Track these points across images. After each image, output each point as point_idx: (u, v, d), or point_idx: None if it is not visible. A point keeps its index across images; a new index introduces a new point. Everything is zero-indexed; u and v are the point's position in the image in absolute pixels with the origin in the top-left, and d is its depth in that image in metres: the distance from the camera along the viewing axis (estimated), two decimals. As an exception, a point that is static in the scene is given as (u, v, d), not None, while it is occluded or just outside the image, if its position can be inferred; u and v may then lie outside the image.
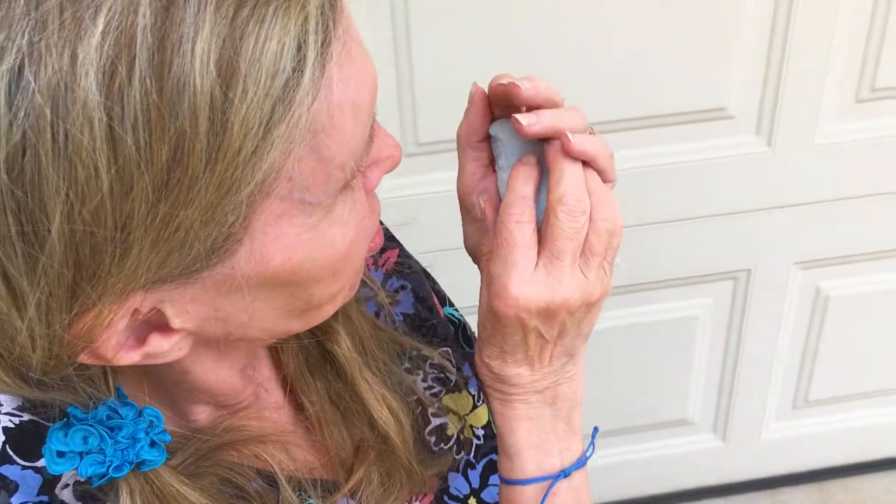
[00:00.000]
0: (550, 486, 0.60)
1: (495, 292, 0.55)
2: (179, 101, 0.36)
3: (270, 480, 0.56)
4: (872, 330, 1.76)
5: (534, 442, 0.60)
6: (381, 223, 0.72)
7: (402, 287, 0.71)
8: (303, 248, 0.44)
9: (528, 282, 0.54)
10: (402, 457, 0.62)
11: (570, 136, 0.54)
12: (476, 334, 0.74)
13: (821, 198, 1.55)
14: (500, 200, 0.57)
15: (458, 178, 0.60)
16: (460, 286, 1.50)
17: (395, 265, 0.71)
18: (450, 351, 0.71)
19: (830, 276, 1.67)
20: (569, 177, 0.54)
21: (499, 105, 0.58)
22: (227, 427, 0.55)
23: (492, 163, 0.60)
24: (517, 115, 0.54)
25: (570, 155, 0.55)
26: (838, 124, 1.46)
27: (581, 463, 0.62)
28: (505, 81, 0.54)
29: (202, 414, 0.56)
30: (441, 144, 1.35)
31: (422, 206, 1.40)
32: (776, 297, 1.68)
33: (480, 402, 0.71)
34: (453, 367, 0.70)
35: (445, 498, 0.68)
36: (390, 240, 0.72)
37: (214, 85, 0.37)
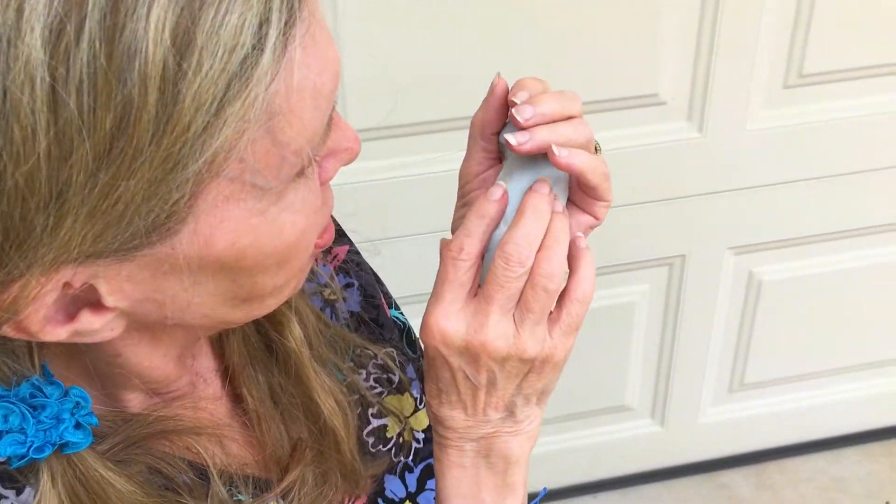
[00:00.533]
0: None
1: (422, 324, 0.55)
2: (129, 67, 0.34)
3: (202, 473, 0.54)
4: (805, 313, 1.79)
5: (464, 491, 0.60)
6: (333, 219, 0.71)
7: (350, 284, 0.70)
8: (250, 233, 0.42)
9: (451, 317, 0.54)
10: (345, 452, 0.60)
11: (555, 148, 0.53)
12: (418, 339, 0.74)
13: (753, 183, 1.56)
14: None
15: (463, 162, 0.60)
16: (401, 276, 1.49)
17: (343, 262, 0.70)
18: (394, 351, 0.70)
19: (763, 261, 1.69)
20: (525, 225, 0.54)
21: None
22: (160, 416, 0.53)
23: (500, 157, 0.59)
24: (507, 136, 0.54)
25: (557, 166, 0.54)
26: (768, 110, 1.48)
27: None
28: (518, 100, 0.54)
29: (134, 401, 0.54)
30: (371, 132, 1.33)
31: (358, 196, 1.38)
32: (711, 282, 1.69)
33: (423, 405, 0.70)
34: (398, 367, 0.69)
35: (380, 501, 0.66)
36: (340, 236, 0.71)
37: (168, 54, 0.35)
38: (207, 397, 0.58)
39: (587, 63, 1.36)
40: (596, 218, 0.60)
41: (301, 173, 0.43)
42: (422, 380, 0.73)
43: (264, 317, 0.58)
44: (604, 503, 1.94)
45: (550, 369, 0.57)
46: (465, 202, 0.61)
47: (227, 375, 0.59)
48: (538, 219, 0.54)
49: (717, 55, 1.39)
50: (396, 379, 0.69)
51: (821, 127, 1.51)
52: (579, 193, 0.58)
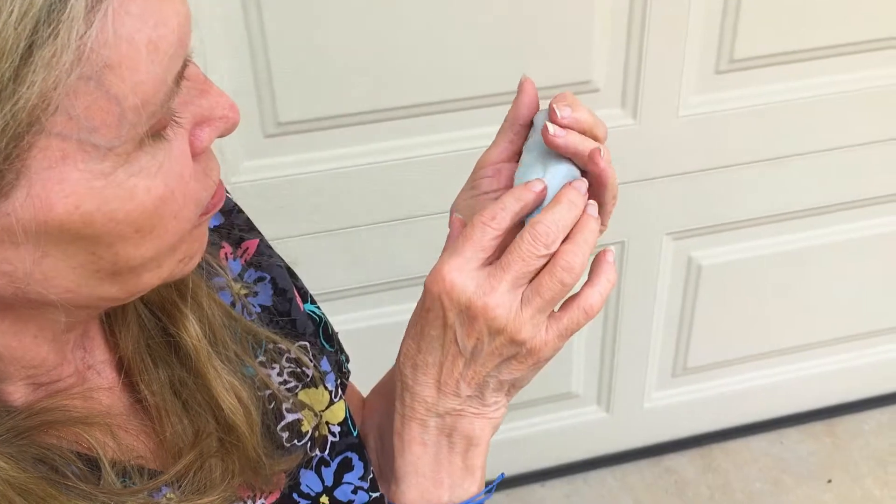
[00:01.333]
0: None
1: (432, 269, 0.56)
2: None
3: (92, 464, 0.53)
4: (745, 296, 1.81)
5: (423, 470, 0.60)
6: (242, 212, 0.70)
7: (261, 278, 0.69)
8: (94, 197, 0.41)
9: (465, 272, 0.55)
10: (248, 448, 0.59)
11: (602, 150, 0.57)
12: (336, 333, 0.74)
13: (688, 169, 1.57)
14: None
15: (487, 150, 0.63)
16: (323, 272, 1.48)
17: (254, 256, 0.69)
18: (308, 345, 0.69)
19: (701, 245, 1.71)
20: (560, 211, 0.55)
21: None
22: (44, 406, 0.51)
23: (520, 154, 0.62)
24: (549, 124, 0.57)
25: (596, 168, 0.57)
26: (700, 96, 1.49)
27: None
28: (563, 115, 0.57)
29: (16, 393, 0.52)
30: (303, 124, 1.32)
31: (284, 190, 1.37)
32: (650, 267, 1.70)
33: (337, 398, 0.70)
34: (311, 361, 0.68)
35: (295, 496, 0.65)
36: (250, 230, 0.70)
37: None
38: (101, 388, 0.56)
39: (520, 50, 1.35)
40: None
41: (157, 135, 0.42)
42: (338, 371, 0.72)
43: (161, 311, 0.57)
44: (552, 490, 1.95)
45: (533, 363, 0.58)
46: (473, 185, 0.63)
47: (123, 367, 0.57)
48: (571, 209, 0.56)
49: (648, 41, 1.39)
50: (310, 373, 0.68)
51: (753, 112, 1.53)
52: None
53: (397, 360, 0.61)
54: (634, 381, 1.88)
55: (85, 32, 0.37)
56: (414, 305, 0.60)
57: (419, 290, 0.58)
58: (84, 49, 0.37)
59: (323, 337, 0.72)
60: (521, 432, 1.87)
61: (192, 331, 0.58)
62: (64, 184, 0.40)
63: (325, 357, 0.70)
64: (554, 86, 1.41)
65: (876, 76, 1.55)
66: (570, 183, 0.57)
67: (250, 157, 1.33)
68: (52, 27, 0.36)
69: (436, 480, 0.60)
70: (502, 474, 0.65)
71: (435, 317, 0.56)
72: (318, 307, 0.74)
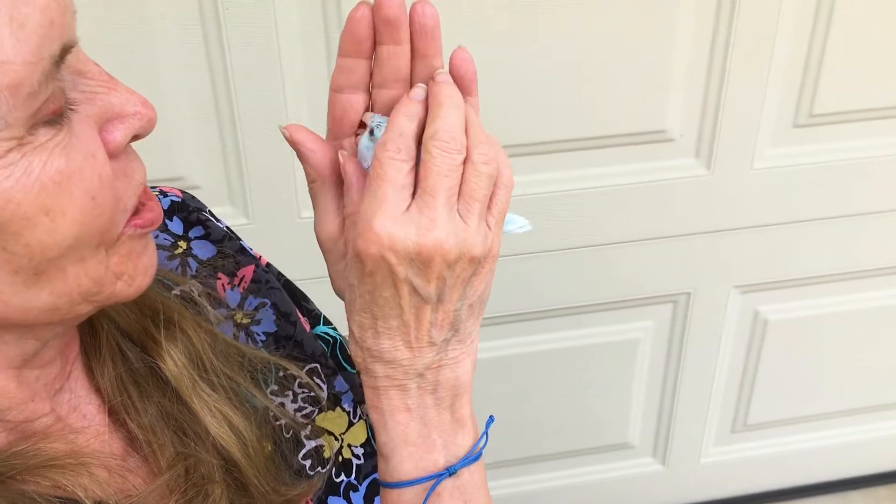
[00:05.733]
0: (433, 488, 0.55)
1: (360, 231, 0.50)
2: None
3: None
4: (810, 354, 1.77)
5: (412, 437, 0.55)
6: (235, 238, 0.68)
7: (262, 304, 0.67)
8: None
9: (397, 220, 0.49)
10: (249, 475, 0.56)
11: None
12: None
13: (760, 222, 1.54)
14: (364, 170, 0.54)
15: (316, 219, 0.57)
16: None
17: (252, 282, 0.67)
18: (318, 367, 0.66)
19: (769, 300, 1.67)
20: (446, 114, 0.51)
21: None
22: (19, 450, 0.48)
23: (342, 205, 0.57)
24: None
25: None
26: (777, 149, 1.47)
27: (470, 459, 0.56)
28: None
29: None
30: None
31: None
32: (716, 320, 1.67)
33: (357, 418, 0.67)
34: (323, 383, 0.65)
35: None
36: (244, 255, 0.68)
37: None
38: (87, 430, 0.54)
39: (597, 97, 1.35)
40: None
41: (52, 121, 0.41)
42: (354, 391, 0.69)
43: (138, 341, 0.55)
44: (603, 542, 1.90)
45: (490, 268, 0.54)
46: (337, 255, 0.58)
47: (107, 403, 0.55)
48: (457, 105, 0.52)
49: (727, 92, 1.38)
50: (325, 395, 0.65)
51: (829, 167, 1.50)
52: None
53: (350, 339, 0.56)
54: (692, 434, 1.84)
55: None
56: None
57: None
58: None
59: (342, 357, 0.70)
60: (574, 481, 1.84)
61: (170, 360, 0.55)
62: None
63: (339, 377, 0.68)
64: (627, 133, 1.40)
65: (959, 136, 1.51)
66: (434, 79, 0.53)
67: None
68: None
69: (427, 444, 0.55)
70: (492, 417, 0.59)
71: (382, 280, 0.51)
72: (334, 328, 0.71)
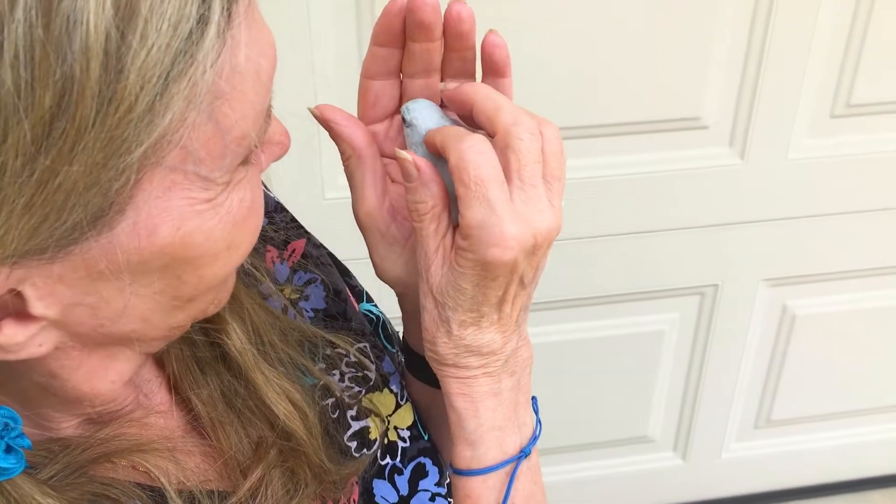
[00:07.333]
0: (515, 470, 0.54)
1: (487, 241, 0.47)
2: (69, 40, 0.31)
3: (157, 495, 0.49)
4: (838, 350, 1.74)
5: (498, 422, 0.54)
6: (285, 210, 0.67)
7: (311, 280, 0.65)
8: (195, 220, 0.39)
9: (516, 220, 0.48)
10: (308, 453, 0.55)
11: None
12: (399, 333, 0.68)
13: (791, 214, 1.52)
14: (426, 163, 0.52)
15: (354, 196, 0.56)
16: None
17: (303, 256, 0.65)
18: (367, 346, 0.65)
19: (798, 294, 1.64)
20: (507, 102, 0.50)
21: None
22: (101, 437, 0.48)
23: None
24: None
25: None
26: (812, 139, 1.44)
27: (536, 438, 0.57)
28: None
29: (65, 422, 0.48)
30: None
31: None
32: (742, 314, 1.64)
33: (404, 400, 0.66)
34: (372, 363, 0.64)
35: None
36: (297, 228, 0.66)
37: (111, 26, 0.32)
38: (154, 411, 0.53)
39: (629, 84, 1.32)
40: None
41: (246, 161, 0.41)
42: (402, 373, 0.68)
43: (203, 321, 0.54)
44: (620, 536, 1.88)
45: (549, 245, 0.52)
46: (385, 237, 0.57)
47: (171, 383, 0.54)
48: (507, 97, 0.52)
49: (763, 81, 1.35)
50: (373, 375, 0.64)
51: (866, 159, 1.46)
52: None
53: (437, 336, 0.54)
54: (714, 429, 1.81)
55: (214, 63, 0.35)
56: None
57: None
58: (211, 81, 0.35)
59: (383, 337, 0.69)
60: (593, 473, 1.82)
61: (235, 336, 0.54)
62: (169, 212, 0.38)
63: (386, 357, 0.66)
64: (660, 119, 1.37)
65: None
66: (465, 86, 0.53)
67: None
68: (188, 58, 0.34)
69: (510, 427, 0.55)
70: (534, 398, 0.59)
71: (503, 281, 0.49)
72: (376, 306, 0.70)
